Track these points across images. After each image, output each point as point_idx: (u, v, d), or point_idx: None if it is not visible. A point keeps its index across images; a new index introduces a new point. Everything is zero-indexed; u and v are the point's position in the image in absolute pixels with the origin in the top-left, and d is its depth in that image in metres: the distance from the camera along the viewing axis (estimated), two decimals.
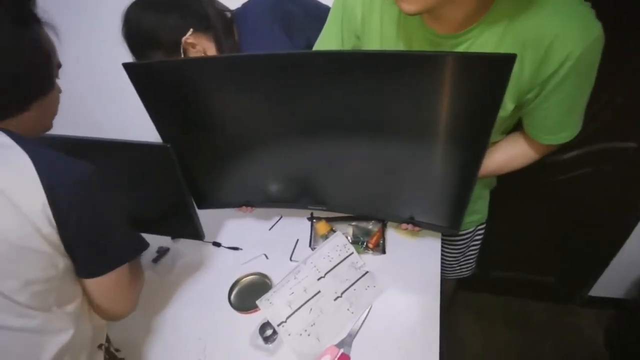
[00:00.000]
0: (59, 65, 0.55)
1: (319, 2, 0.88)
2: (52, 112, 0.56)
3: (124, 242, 0.57)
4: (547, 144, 0.67)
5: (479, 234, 1.02)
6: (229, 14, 0.83)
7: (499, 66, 0.49)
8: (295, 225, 0.96)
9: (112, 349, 0.64)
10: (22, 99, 0.50)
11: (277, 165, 0.78)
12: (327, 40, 0.75)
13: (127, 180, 0.72)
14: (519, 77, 0.57)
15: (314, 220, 0.94)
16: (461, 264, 1.10)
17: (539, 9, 0.53)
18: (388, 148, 0.66)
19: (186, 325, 0.78)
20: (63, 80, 0.56)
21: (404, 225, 0.80)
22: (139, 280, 0.63)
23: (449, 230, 0.75)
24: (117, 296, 0.57)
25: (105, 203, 0.52)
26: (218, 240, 0.95)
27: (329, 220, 0.93)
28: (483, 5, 0.56)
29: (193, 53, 0.77)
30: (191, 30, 0.75)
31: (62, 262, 0.50)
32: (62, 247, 0.48)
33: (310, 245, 0.90)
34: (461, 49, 0.60)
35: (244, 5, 0.84)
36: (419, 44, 0.63)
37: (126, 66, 0.62)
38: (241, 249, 0.92)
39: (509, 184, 0.92)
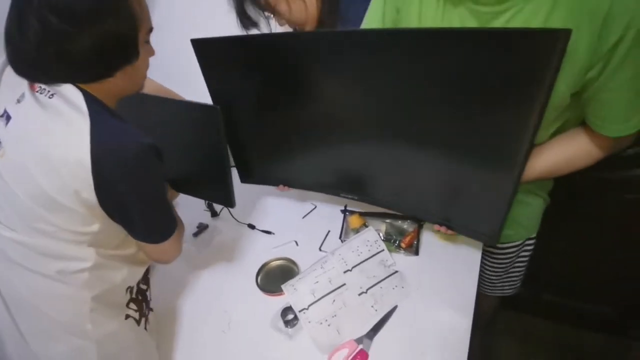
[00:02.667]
0: (151, 29, 0.55)
1: None
2: (139, 78, 0.57)
3: (166, 221, 0.60)
4: (614, 136, 0.57)
5: (527, 250, 0.92)
6: None
7: (550, 43, 0.43)
8: (328, 216, 0.95)
9: (148, 292, 0.68)
10: (104, 67, 0.51)
11: (327, 150, 0.78)
12: (370, 18, 0.74)
13: (174, 137, 0.76)
14: (575, 52, 0.50)
15: (347, 213, 0.93)
16: (503, 280, 1.00)
17: None
18: (429, 138, 0.63)
19: (215, 297, 0.82)
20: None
21: (437, 227, 0.76)
22: (181, 232, 0.67)
23: (486, 240, 0.69)
24: (162, 254, 0.63)
25: (149, 181, 0.54)
26: (253, 223, 0.98)
27: (362, 214, 0.91)
28: None
29: None
30: None
31: (97, 223, 0.53)
32: (99, 210, 0.51)
33: (340, 238, 0.89)
34: (504, 18, 0.54)
35: None
36: (459, 13, 0.59)
37: (194, 42, 0.66)
38: (273, 234, 0.94)
39: (567, 196, 0.83)
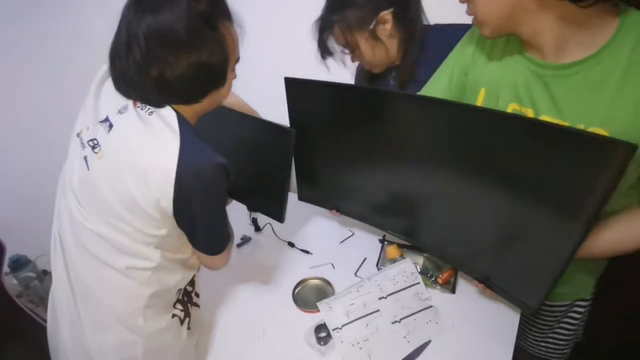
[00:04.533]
0: (238, 59, 0.61)
1: None
2: (221, 99, 0.63)
3: (223, 234, 0.65)
4: None
5: (578, 312, 0.84)
6: (423, 26, 0.85)
7: (614, 152, 0.45)
8: (365, 244, 0.98)
9: (193, 293, 0.72)
10: (196, 93, 0.57)
11: (384, 187, 0.83)
12: (438, 78, 0.78)
13: (244, 150, 0.84)
14: None
15: (386, 243, 0.95)
16: (548, 340, 0.92)
17: None
18: (486, 200, 0.65)
19: (252, 306, 0.86)
20: None
21: (476, 283, 0.73)
22: (231, 245, 0.72)
23: (525, 307, 0.67)
24: (213, 263, 0.69)
25: (217, 198, 0.60)
26: (292, 241, 1.03)
27: (400, 246, 0.93)
28: (591, 32, 0.51)
29: (381, 29, 0.80)
30: (392, 9, 0.79)
31: (166, 228, 0.58)
32: (171, 219, 0.57)
33: (377, 265, 0.91)
34: (571, 82, 0.55)
35: (446, 25, 0.85)
36: (523, 74, 0.61)
37: (287, 80, 0.77)
38: (311, 254, 0.98)
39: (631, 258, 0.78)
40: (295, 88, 0.79)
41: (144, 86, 0.54)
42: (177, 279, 0.64)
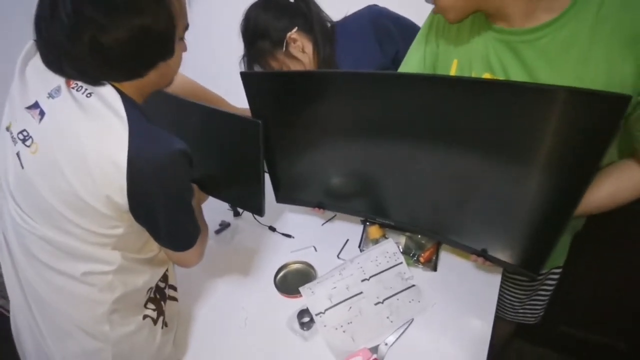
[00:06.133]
0: (187, 27, 0.54)
1: (411, 22, 0.96)
2: (171, 74, 0.56)
3: (190, 230, 0.60)
4: None
5: (552, 279, 0.90)
6: (329, 24, 0.94)
7: (608, 106, 0.44)
8: (347, 225, 0.97)
9: (166, 288, 0.68)
10: (139, 63, 0.50)
11: (356, 174, 0.81)
12: (412, 56, 0.78)
13: (213, 145, 0.80)
14: (623, 77, 0.51)
15: (367, 224, 0.94)
16: (525, 307, 0.98)
17: None
18: (474, 169, 0.64)
19: (233, 294, 0.84)
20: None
21: (474, 257, 0.74)
22: (204, 239, 0.68)
23: (527, 274, 0.68)
24: (183, 260, 0.65)
25: (178, 187, 0.54)
26: (274, 226, 1.00)
27: (382, 226, 0.92)
28: None
29: (293, 47, 0.89)
30: (296, 28, 0.87)
31: (122, 227, 0.52)
32: (128, 215, 0.51)
33: (359, 247, 0.90)
34: (540, 45, 0.55)
35: (345, 18, 0.95)
36: (493, 45, 0.61)
37: (243, 75, 0.73)
38: (293, 237, 0.96)
39: (597, 226, 0.81)
40: (253, 82, 0.74)
41: (77, 54, 0.46)
42: (146, 279, 0.59)
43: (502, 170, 0.61)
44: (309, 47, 0.90)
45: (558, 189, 0.56)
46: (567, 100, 0.49)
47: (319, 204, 0.90)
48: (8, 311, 1.05)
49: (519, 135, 0.55)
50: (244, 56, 0.93)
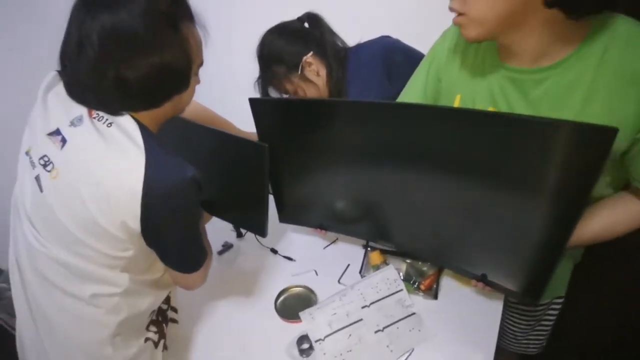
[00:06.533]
0: (201, 64, 0.57)
1: (422, 54, 0.98)
2: (184, 104, 0.59)
3: (198, 253, 0.62)
4: None
5: (555, 309, 0.89)
6: (342, 49, 0.98)
7: (596, 138, 0.46)
8: (348, 250, 0.97)
9: (168, 310, 0.69)
10: (157, 96, 0.53)
11: (358, 198, 0.83)
12: (413, 86, 0.80)
13: (219, 167, 0.82)
14: (624, 117, 0.52)
15: (369, 249, 0.95)
16: (529, 338, 0.96)
17: (633, 40, 0.50)
18: (472, 197, 0.65)
19: (232, 317, 0.84)
20: None
21: (474, 282, 0.74)
22: (209, 261, 0.69)
23: (527, 300, 0.68)
24: (188, 283, 0.66)
25: (188, 212, 0.56)
26: (275, 248, 1.01)
27: (383, 252, 0.93)
28: (567, 37, 0.53)
29: (308, 71, 0.93)
30: (312, 52, 0.92)
31: (133, 249, 0.54)
32: (139, 238, 0.53)
33: (360, 272, 0.91)
34: (545, 85, 0.57)
35: (358, 45, 0.98)
36: (499, 81, 0.62)
37: (251, 100, 0.76)
38: (294, 260, 0.97)
39: (597, 259, 0.81)
40: (261, 108, 0.77)
41: (101, 89, 0.49)
42: (150, 301, 0.61)
43: (499, 199, 0.63)
44: (323, 71, 0.94)
45: (552, 218, 0.58)
46: (558, 133, 0.51)
47: (321, 225, 0.91)
48: (10, 327, 1.06)
49: (515, 166, 0.57)
50: (258, 79, 0.96)
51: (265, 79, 0.95)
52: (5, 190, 1.00)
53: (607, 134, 0.46)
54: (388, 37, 0.99)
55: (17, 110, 0.70)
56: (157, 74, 0.50)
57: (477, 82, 0.65)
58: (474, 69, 0.66)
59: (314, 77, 0.93)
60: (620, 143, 0.54)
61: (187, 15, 0.53)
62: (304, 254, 0.98)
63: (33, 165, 0.54)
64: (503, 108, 0.63)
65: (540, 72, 0.57)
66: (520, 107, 0.61)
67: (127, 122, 0.51)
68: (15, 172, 0.58)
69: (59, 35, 0.51)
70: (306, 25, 0.96)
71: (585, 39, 0.53)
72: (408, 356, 0.72)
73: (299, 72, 0.92)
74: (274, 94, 0.99)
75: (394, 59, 0.94)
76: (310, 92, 0.96)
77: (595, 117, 0.54)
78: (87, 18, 0.47)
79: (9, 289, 1.22)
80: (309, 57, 0.91)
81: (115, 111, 0.52)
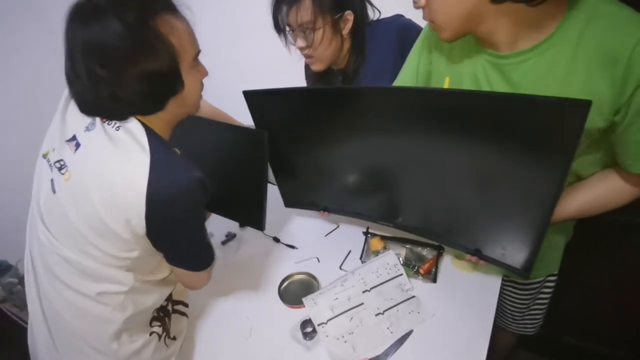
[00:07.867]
0: (197, 53, 0.56)
1: None
2: (191, 101, 0.58)
3: (206, 251, 0.64)
4: None
5: (549, 286, 0.92)
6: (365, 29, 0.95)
7: (571, 112, 0.48)
8: (350, 237, 0.99)
9: (168, 306, 0.71)
10: (154, 102, 0.54)
11: (357, 180, 0.85)
12: (406, 70, 0.82)
13: (219, 159, 0.82)
14: (601, 99, 0.53)
15: (369, 235, 0.97)
16: (525, 317, 0.99)
17: (612, 20, 0.50)
18: (465, 173, 0.68)
19: (238, 304, 0.87)
20: None
21: (469, 257, 0.77)
22: (213, 264, 0.71)
23: (519, 272, 0.71)
24: (194, 281, 0.68)
25: (194, 213, 0.57)
26: (278, 237, 1.03)
27: (383, 238, 0.95)
28: (540, 21, 0.54)
29: (342, 23, 0.89)
30: (354, 15, 0.89)
31: (138, 250, 0.56)
32: (144, 239, 0.55)
33: (361, 258, 0.93)
34: (525, 67, 0.58)
35: (373, 22, 0.96)
36: (482, 66, 0.64)
37: (245, 93, 0.76)
38: (297, 248, 0.99)
39: (590, 236, 0.83)
40: (256, 99, 0.78)
41: (101, 105, 0.52)
42: (155, 299, 0.63)
43: (488, 175, 0.65)
44: (348, 40, 0.92)
45: (535, 192, 0.60)
46: (536, 107, 0.53)
47: (325, 208, 0.93)
48: (20, 319, 1.11)
49: (500, 143, 0.60)
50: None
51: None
52: (15, 190, 1.04)
53: (581, 106, 0.48)
54: (402, 16, 0.96)
55: (21, 112, 0.72)
56: (146, 83, 0.50)
57: (463, 66, 0.67)
58: (461, 53, 0.68)
59: (339, 33, 0.88)
60: (597, 119, 0.55)
61: (165, 8, 0.51)
62: (306, 242, 1.00)
63: (50, 168, 0.56)
64: (486, 89, 0.65)
65: (520, 55, 0.58)
66: (502, 89, 0.62)
67: (134, 126, 0.53)
68: (25, 174, 0.61)
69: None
70: None
71: (563, 19, 0.54)
72: (407, 337, 0.75)
73: (337, 15, 0.85)
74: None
75: (408, 38, 0.90)
76: (326, 43, 0.88)
77: (575, 95, 0.54)
78: (70, 33, 0.49)
79: (19, 284, 1.28)
80: (350, 14, 0.87)
81: (122, 118, 0.54)
